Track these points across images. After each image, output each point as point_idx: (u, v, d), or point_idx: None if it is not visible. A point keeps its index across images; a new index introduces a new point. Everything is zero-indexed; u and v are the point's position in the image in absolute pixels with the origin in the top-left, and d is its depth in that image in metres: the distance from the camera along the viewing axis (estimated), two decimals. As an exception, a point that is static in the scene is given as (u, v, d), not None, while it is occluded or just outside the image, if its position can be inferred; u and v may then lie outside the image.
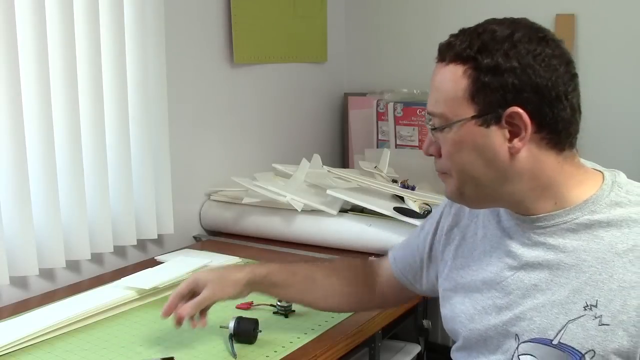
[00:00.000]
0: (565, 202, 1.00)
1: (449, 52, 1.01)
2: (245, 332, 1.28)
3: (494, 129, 0.97)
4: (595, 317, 0.95)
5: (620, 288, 0.95)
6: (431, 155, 1.06)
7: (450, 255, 1.16)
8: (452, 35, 1.03)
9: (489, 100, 0.97)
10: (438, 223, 1.22)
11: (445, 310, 1.16)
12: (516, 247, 1.04)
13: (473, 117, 0.98)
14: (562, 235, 1.00)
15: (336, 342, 1.32)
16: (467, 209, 1.17)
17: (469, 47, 0.98)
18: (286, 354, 1.26)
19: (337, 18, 2.67)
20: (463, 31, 1.02)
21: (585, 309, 0.96)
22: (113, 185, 1.77)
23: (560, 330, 0.97)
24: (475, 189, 1.03)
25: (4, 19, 1.46)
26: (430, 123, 1.04)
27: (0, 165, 1.50)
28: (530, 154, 0.98)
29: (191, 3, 2.03)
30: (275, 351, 1.26)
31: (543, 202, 1.01)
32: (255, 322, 1.30)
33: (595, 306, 0.95)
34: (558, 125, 0.97)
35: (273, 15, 2.31)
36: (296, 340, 1.31)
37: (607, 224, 0.98)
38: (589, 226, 0.99)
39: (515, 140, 0.97)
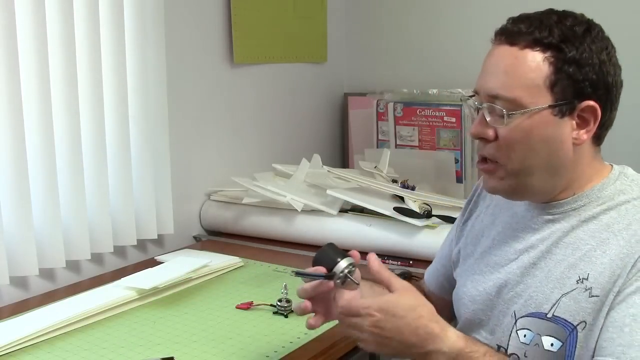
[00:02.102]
0: (580, 192, 1.05)
1: (523, 36, 1.00)
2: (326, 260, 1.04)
3: (566, 119, 1.00)
4: (586, 290, 0.99)
5: (610, 261, 0.98)
6: (481, 138, 1.04)
7: (462, 244, 1.21)
8: (514, 20, 1.02)
9: (568, 91, 0.99)
10: (458, 226, 1.26)
11: (453, 295, 1.21)
12: (524, 233, 1.08)
13: (550, 106, 0.99)
14: (567, 221, 1.04)
15: (336, 342, 1.32)
16: (483, 200, 1.21)
17: (550, 35, 0.98)
18: (286, 354, 1.26)
19: (337, 18, 2.67)
20: (528, 17, 1.02)
21: (578, 282, 1.00)
22: (113, 185, 1.77)
23: (554, 304, 1.00)
24: (522, 179, 1.03)
25: (4, 19, 1.46)
26: (485, 106, 1.01)
27: (0, 166, 1.50)
28: (584, 146, 1.03)
29: (191, 3, 2.03)
30: (276, 351, 1.26)
31: (565, 193, 1.05)
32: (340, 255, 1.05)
33: (587, 279, 0.99)
34: (607, 122, 1.03)
35: (273, 15, 2.31)
36: (296, 340, 1.31)
37: (608, 209, 1.03)
38: (594, 215, 1.03)
39: (582, 132, 1.01)
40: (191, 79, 2.06)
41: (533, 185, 1.04)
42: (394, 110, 2.36)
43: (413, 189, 2.03)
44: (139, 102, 1.82)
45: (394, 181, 2.13)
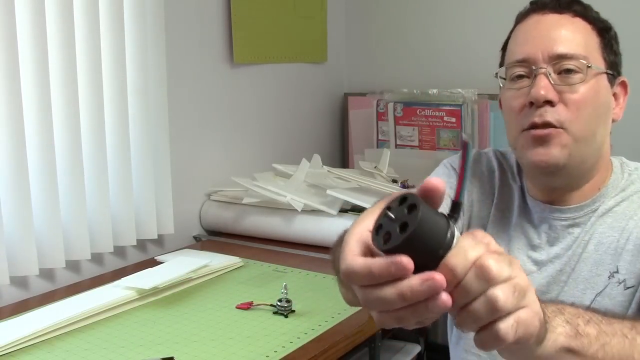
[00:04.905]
0: (596, 189, 1.02)
1: (568, 6, 1.00)
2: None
3: (610, 91, 1.01)
4: (620, 283, 0.96)
5: (635, 247, 0.96)
6: (548, 102, 0.96)
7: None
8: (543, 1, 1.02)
9: (613, 62, 1.00)
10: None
11: None
12: (542, 242, 1.03)
13: (606, 73, 0.99)
14: (585, 222, 1.02)
15: (336, 342, 1.32)
16: (476, 197, 1.11)
17: (588, 10, 1.00)
18: (286, 354, 1.25)
19: (337, 18, 2.67)
20: None
21: (609, 278, 0.96)
22: (113, 185, 1.77)
23: (589, 306, 0.97)
24: (581, 148, 0.98)
25: (4, 19, 1.46)
26: (547, 69, 0.96)
27: (0, 166, 1.50)
28: (610, 127, 1.03)
29: (191, 3, 2.03)
30: (276, 351, 1.26)
31: (586, 190, 1.02)
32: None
33: (617, 272, 0.96)
34: None
35: (273, 15, 2.31)
36: (296, 340, 1.31)
37: (622, 200, 1.02)
38: (609, 208, 1.01)
39: (617, 109, 1.02)
40: (191, 79, 2.06)
41: (586, 159, 0.99)
42: (394, 110, 2.36)
43: (413, 189, 2.03)
44: (139, 102, 1.82)
45: (394, 181, 2.13)
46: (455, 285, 0.56)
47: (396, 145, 2.38)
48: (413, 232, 0.55)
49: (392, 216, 0.57)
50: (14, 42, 1.48)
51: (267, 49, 2.32)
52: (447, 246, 0.57)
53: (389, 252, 0.56)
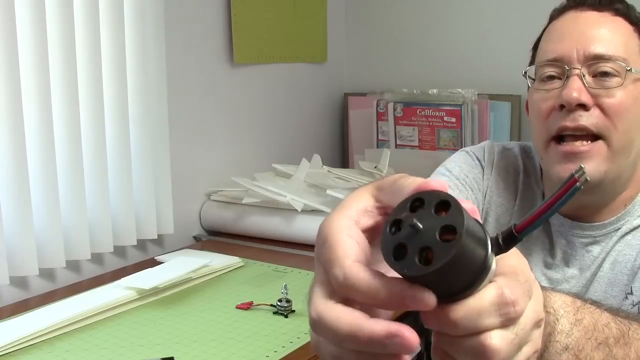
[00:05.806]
0: (622, 207, 0.95)
1: (613, 4, 0.93)
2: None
3: None
4: (634, 305, 0.89)
5: None
6: (581, 105, 0.89)
7: None
8: None
9: None
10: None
11: None
12: (557, 260, 0.97)
13: None
14: (606, 240, 0.96)
15: (336, 342, 1.32)
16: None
17: (630, 9, 0.93)
18: (286, 354, 1.26)
19: (337, 18, 2.67)
20: None
21: (624, 300, 0.90)
22: (113, 185, 1.77)
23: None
24: (620, 162, 0.90)
25: (4, 19, 1.46)
26: (582, 70, 0.89)
27: (0, 166, 1.50)
28: None
29: (191, 3, 2.03)
30: (275, 351, 1.26)
31: (615, 205, 0.94)
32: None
33: (631, 293, 0.90)
34: None
35: (273, 15, 2.31)
36: (296, 340, 1.31)
37: None
38: (634, 227, 0.95)
39: None
40: (191, 79, 2.06)
41: (621, 174, 0.92)
42: (394, 110, 2.36)
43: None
44: (139, 102, 1.82)
45: (394, 181, 2.13)
46: (445, 334, 0.46)
47: (396, 145, 2.38)
48: (441, 267, 0.42)
49: (420, 226, 0.43)
50: (14, 42, 1.48)
51: (267, 49, 2.32)
52: (471, 291, 0.45)
53: (401, 274, 0.43)
